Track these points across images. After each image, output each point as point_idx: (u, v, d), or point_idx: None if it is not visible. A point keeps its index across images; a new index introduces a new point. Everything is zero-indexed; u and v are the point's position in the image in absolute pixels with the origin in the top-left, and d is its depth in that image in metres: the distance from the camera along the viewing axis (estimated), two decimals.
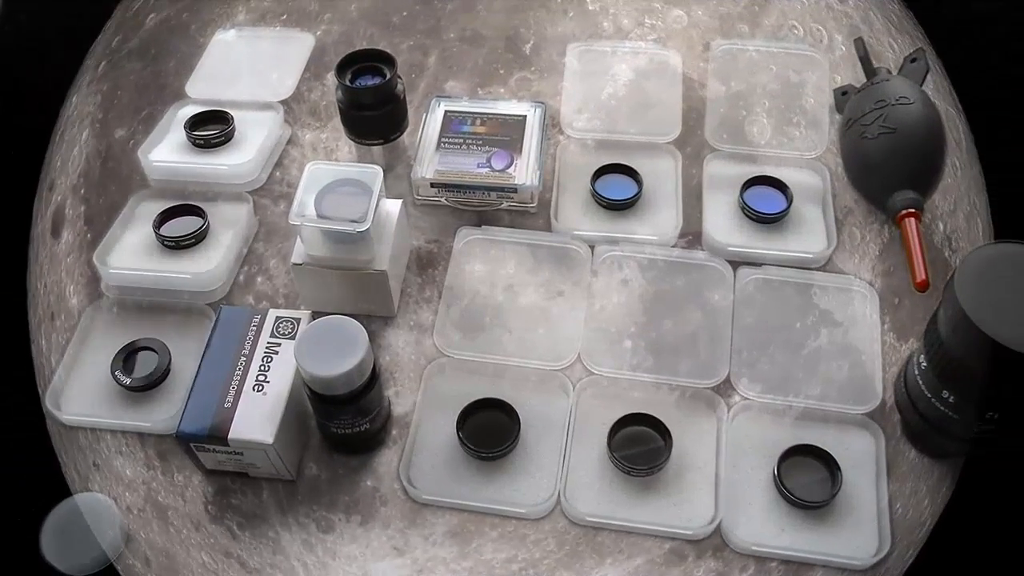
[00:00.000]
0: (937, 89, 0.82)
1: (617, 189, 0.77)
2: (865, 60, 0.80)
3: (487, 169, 0.75)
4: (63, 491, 0.64)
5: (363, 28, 0.91)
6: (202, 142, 0.81)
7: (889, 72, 0.79)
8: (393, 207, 0.70)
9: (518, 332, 0.70)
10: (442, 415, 0.65)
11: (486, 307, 0.71)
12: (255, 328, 0.64)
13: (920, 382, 0.61)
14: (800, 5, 0.92)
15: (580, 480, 0.63)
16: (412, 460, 0.64)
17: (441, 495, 0.62)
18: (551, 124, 0.82)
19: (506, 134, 0.77)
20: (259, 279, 0.74)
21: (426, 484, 0.63)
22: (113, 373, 0.67)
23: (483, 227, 0.76)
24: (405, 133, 0.78)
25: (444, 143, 0.77)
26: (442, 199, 0.77)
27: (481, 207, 0.77)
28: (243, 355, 0.63)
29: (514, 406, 0.65)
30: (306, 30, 0.92)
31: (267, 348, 0.63)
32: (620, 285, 0.72)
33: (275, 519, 0.62)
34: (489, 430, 0.64)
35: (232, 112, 0.82)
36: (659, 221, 0.76)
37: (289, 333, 0.64)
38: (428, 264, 0.74)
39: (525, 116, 0.78)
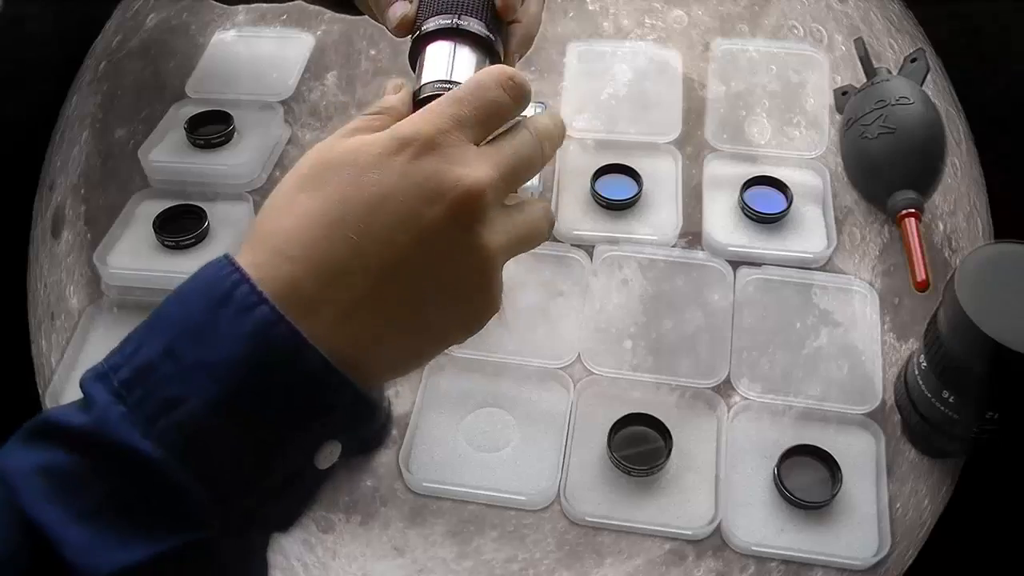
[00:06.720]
0: (937, 89, 0.82)
1: (617, 189, 0.77)
2: (865, 60, 0.80)
3: None
4: None
5: (363, 28, 0.91)
6: (202, 142, 0.81)
7: (889, 72, 0.79)
8: None
9: (518, 332, 0.70)
10: (442, 414, 0.65)
11: None
12: None
13: (920, 382, 0.61)
14: (800, 5, 0.92)
15: (580, 480, 0.63)
16: (412, 454, 0.64)
17: (440, 492, 0.62)
18: None
19: None
20: None
21: (426, 477, 0.63)
22: None
23: None
24: None
25: None
26: None
27: None
28: None
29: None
30: (306, 30, 0.92)
31: None
32: (620, 285, 0.72)
33: None
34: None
35: (232, 112, 0.82)
36: (659, 221, 0.76)
37: None
38: None
39: (525, 116, 0.78)
